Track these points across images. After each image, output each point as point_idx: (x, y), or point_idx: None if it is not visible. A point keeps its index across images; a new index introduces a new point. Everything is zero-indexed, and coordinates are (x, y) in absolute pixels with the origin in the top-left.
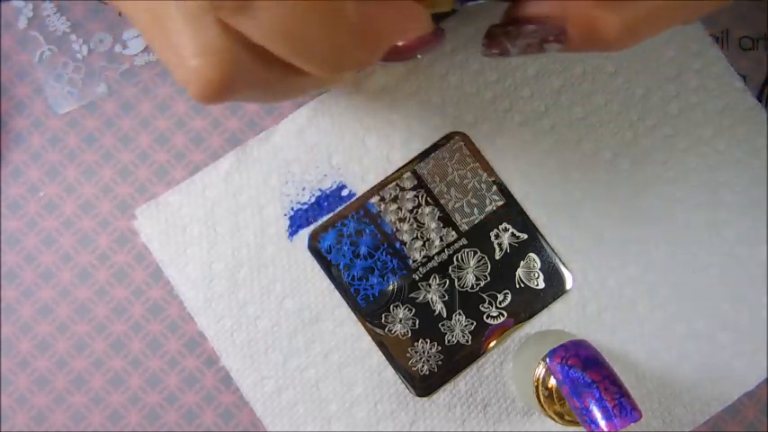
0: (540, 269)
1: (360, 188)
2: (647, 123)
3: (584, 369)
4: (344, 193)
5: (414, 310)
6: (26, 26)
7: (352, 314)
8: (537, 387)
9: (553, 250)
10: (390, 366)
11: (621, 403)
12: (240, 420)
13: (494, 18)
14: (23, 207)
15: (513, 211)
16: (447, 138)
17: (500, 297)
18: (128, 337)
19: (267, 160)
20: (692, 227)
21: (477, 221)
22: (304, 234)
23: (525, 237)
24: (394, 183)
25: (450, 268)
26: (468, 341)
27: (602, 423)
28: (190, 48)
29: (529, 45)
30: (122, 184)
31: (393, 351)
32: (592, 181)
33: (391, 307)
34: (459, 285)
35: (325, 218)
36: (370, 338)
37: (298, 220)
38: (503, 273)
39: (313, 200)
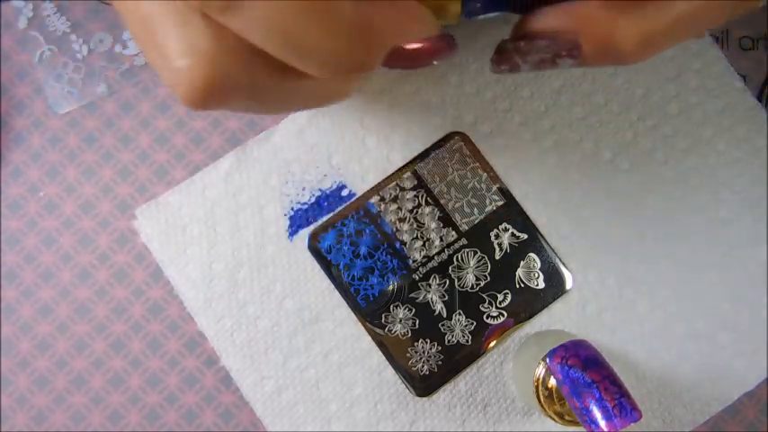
0: (540, 269)
1: (360, 188)
2: (647, 123)
3: (584, 369)
4: (344, 193)
5: (414, 310)
6: (26, 26)
7: (352, 314)
8: (537, 387)
9: (553, 250)
10: (390, 366)
11: (621, 403)
12: (240, 420)
13: (499, 27)
14: (23, 207)
15: (513, 211)
16: (447, 138)
17: (500, 297)
18: (128, 337)
19: (267, 160)
20: (692, 227)
21: (477, 221)
22: (304, 234)
23: (525, 237)
24: (394, 183)
25: (450, 268)
26: (468, 341)
27: (602, 423)
28: (176, 48)
29: (541, 61)
30: (122, 184)
31: (393, 351)
32: (592, 181)
33: (391, 307)
34: (459, 285)
35: (325, 218)
36: (370, 338)
37: (298, 220)
38: (503, 273)
39: (313, 200)
